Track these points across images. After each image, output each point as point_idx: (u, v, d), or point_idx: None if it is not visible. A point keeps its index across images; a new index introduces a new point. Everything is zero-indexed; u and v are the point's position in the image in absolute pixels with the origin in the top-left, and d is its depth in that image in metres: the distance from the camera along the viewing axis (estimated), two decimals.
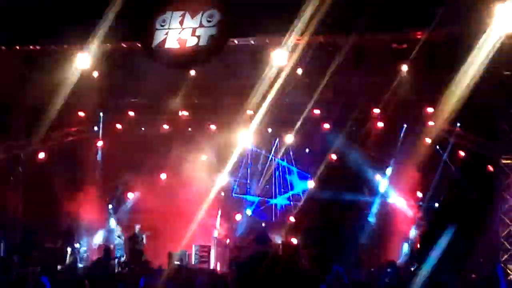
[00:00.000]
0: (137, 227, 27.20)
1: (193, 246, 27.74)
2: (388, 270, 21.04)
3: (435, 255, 20.50)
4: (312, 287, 4.48)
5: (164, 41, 20.56)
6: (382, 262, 23.44)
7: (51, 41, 21.94)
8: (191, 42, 20.27)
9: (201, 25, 20.13)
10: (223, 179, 29.15)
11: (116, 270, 24.12)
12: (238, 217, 29.78)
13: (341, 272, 21.75)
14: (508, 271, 22.71)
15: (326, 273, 20.29)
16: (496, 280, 18.06)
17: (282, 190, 30.93)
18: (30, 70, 23.18)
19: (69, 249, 25.78)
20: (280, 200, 30.83)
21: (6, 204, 27.35)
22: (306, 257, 25.70)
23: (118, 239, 27.38)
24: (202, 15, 20.18)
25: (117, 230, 27.90)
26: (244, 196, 30.93)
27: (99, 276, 17.77)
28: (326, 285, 15.53)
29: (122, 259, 25.73)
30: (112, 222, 28.62)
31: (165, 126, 28.62)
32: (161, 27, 20.62)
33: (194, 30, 20.21)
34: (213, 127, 28.22)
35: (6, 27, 21.61)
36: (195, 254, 27.67)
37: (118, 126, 28.68)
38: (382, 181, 27.54)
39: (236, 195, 30.90)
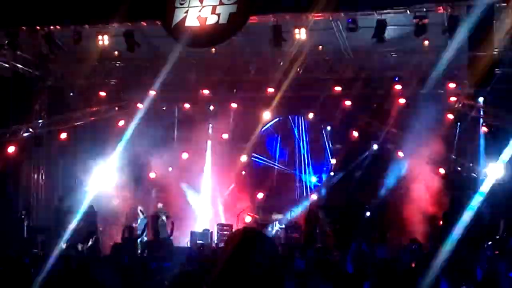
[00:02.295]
0: (159, 206, 27.21)
1: (216, 224, 27.78)
2: (413, 247, 21.01)
3: (458, 231, 20.44)
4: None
5: (184, 19, 20.50)
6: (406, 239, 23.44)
7: (71, 21, 21.96)
8: (211, 20, 20.19)
9: (221, 3, 20.04)
10: (245, 157, 29.21)
11: (139, 250, 24.21)
12: (260, 195, 29.76)
13: (363, 248, 21.76)
14: None
15: (347, 249, 20.30)
16: None
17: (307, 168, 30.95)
18: (51, 50, 23.20)
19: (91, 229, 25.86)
20: (309, 178, 30.81)
21: (29, 184, 27.52)
22: (330, 233, 25.77)
23: (141, 219, 27.39)
24: None
25: (140, 210, 27.90)
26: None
27: (125, 255, 17.83)
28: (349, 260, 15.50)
29: (145, 239, 25.80)
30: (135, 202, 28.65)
31: (186, 105, 28.60)
32: (181, 6, 20.56)
33: (214, 7, 20.13)
34: (234, 105, 28.13)
35: (27, 8, 21.66)
36: (218, 232, 27.70)
37: (140, 105, 28.67)
38: (404, 158, 27.39)
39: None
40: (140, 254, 24.07)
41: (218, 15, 20.04)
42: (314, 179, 30.49)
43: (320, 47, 24.03)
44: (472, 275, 13.54)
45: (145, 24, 22.38)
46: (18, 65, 25.64)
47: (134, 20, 21.89)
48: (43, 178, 28.19)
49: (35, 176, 27.89)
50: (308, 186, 30.79)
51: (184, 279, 8.29)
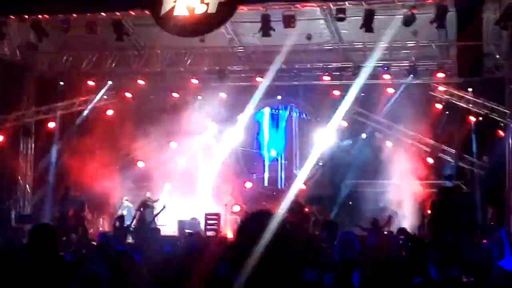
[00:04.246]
0: (147, 194, 27.17)
1: (204, 214, 27.71)
2: (401, 237, 21.05)
3: (447, 220, 20.53)
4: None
5: (172, 8, 20.44)
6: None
7: (60, 10, 21.90)
8: (200, 9, 20.14)
9: None
10: (233, 146, 29.23)
11: (128, 240, 24.16)
12: (248, 184, 29.75)
13: (351, 237, 21.74)
14: None
15: (335, 238, 20.35)
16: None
17: None
18: (39, 39, 23.15)
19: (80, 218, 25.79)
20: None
21: (16, 173, 27.45)
22: (317, 222, 25.76)
23: (127, 209, 27.34)
24: None
25: (127, 199, 27.85)
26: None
27: (115, 245, 17.79)
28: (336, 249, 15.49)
29: (132, 227, 25.71)
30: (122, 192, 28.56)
31: (174, 94, 28.52)
32: None
33: None
34: (222, 94, 28.05)
35: None
36: (205, 221, 27.62)
37: (128, 94, 28.59)
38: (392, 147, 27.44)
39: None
40: (128, 244, 24.00)
41: (207, 4, 19.99)
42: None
43: (309, 36, 24.00)
44: (462, 263, 13.57)
45: (133, 13, 22.33)
46: (6, 53, 25.54)
47: (123, 9, 21.85)
48: (31, 167, 28.09)
49: (23, 165, 27.79)
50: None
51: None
